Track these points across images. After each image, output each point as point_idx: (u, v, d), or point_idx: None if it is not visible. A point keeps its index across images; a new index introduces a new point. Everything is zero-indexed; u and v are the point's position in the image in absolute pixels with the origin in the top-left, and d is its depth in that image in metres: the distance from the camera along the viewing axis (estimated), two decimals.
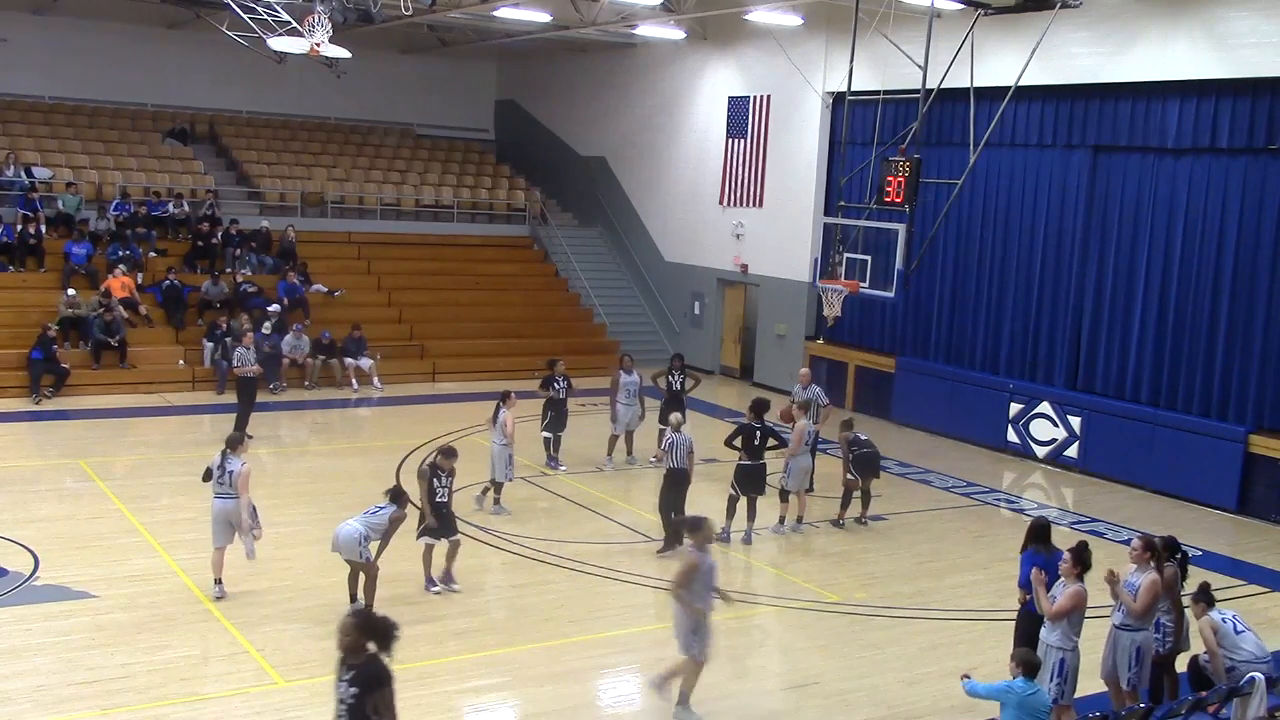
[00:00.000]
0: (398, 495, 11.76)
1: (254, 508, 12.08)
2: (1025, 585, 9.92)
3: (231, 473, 11.86)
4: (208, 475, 12.03)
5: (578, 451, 18.18)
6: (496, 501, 15.35)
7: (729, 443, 14.76)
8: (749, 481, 14.59)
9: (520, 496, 16.19)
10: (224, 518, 11.90)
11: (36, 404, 20.44)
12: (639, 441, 18.48)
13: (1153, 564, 9.52)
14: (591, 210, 31.11)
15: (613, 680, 10.95)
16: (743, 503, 14.66)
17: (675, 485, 14.07)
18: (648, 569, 13.59)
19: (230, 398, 19.63)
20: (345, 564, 11.63)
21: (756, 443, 14.55)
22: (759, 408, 14.87)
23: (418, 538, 12.28)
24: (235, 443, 12.12)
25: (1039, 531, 10.36)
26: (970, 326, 22.06)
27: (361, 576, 11.52)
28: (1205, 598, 9.89)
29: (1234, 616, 9.80)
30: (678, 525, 10.03)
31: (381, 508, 11.57)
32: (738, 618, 12.64)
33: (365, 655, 6.74)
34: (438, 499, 12.12)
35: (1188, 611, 10.03)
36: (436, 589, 12.28)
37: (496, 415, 15.14)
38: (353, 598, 11.65)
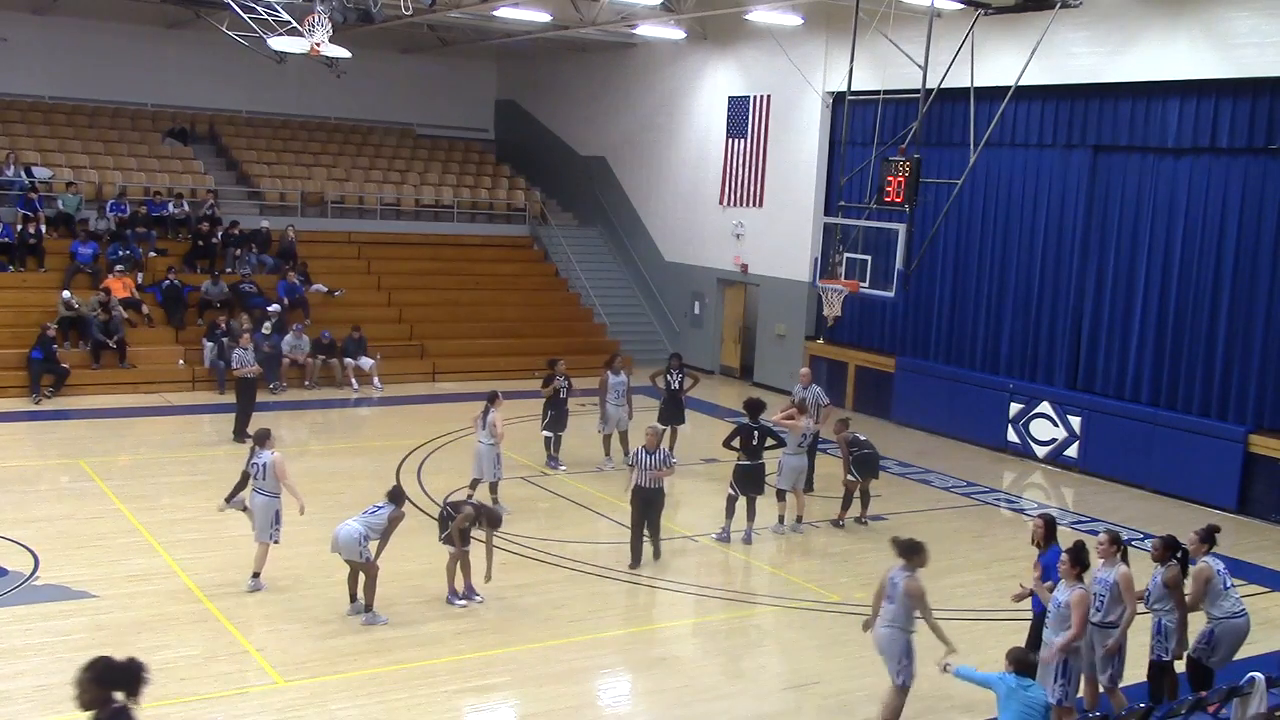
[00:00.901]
0: (397, 495, 11.76)
1: (278, 513, 12.20)
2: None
3: (265, 465, 12.11)
4: (246, 478, 12.27)
5: (577, 451, 18.17)
6: (495, 501, 15.29)
7: (727, 444, 14.77)
8: (748, 481, 14.60)
9: (520, 496, 16.20)
10: (260, 513, 12.17)
11: (36, 404, 20.44)
12: (635, 441, 18.45)
13: (1120, 559, 9.61)
14: (591, 210, 31.11)
15: (613, 680, 10.95)
16: (742, 502, 14.66)
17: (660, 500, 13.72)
18: (646, 569, 13.58)
19: (231, 397, 19.62)
20: (345, 564, 11.63)
21: (755, 443, 14.56)
22: (754, 408, 14.90)
23: (441, 540, 12.22)
24: (263, 438, 12.40)
25: (1056, 527, 10.43)
26: (970, 326, 22.05)
27: (361, 577, 11.52)
28: (1209, 539, 10.02)
29: (1225, 570, 10.03)
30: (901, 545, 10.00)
31: (380, 507, 11.57)
32: (738, 617, 12.66)
33: (111, 708, 6.07)
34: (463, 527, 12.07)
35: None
36: (462, 602, 12.15)
37: (485, 416, 15.08)
38: (353, 597, 11.65)
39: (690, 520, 15.59)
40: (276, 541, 12.23)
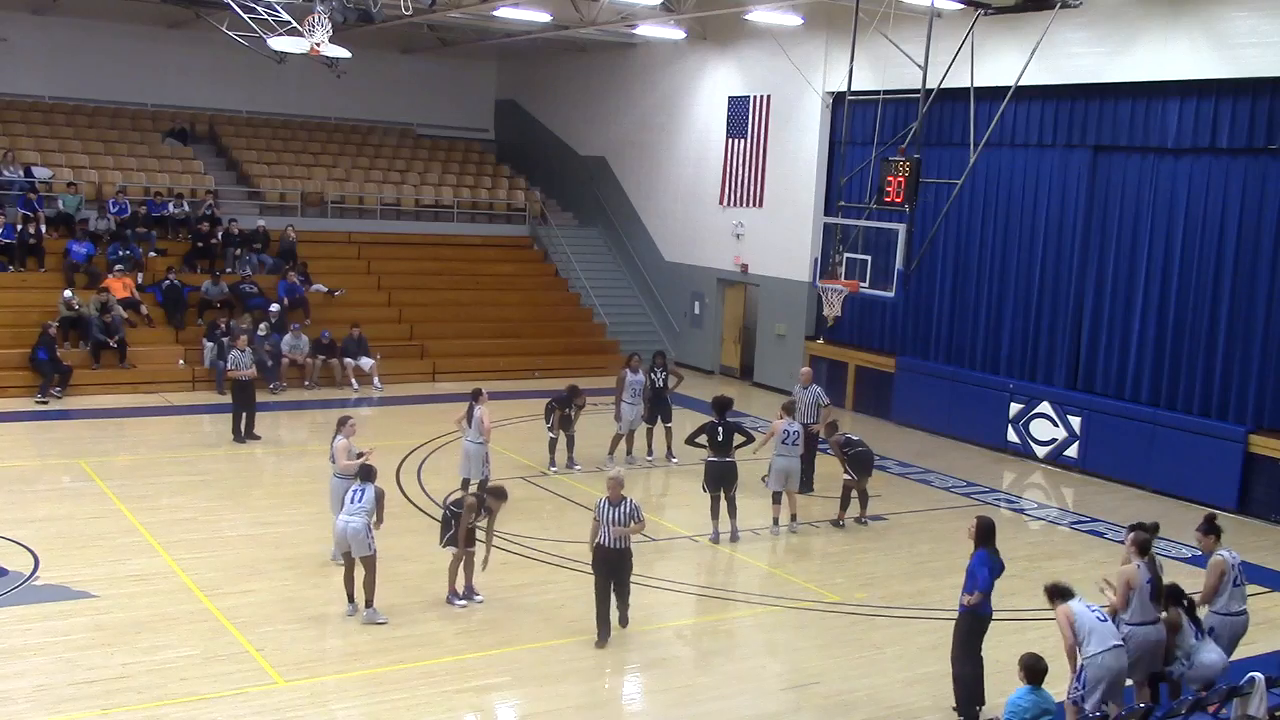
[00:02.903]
0: (369, 472, 11.80)
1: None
2: (986, 588, 9.89)
3: (333, 450, 12.76)
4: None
5: (580, 450, 18.13)
6: None
7: (691, 440, 14.89)
8: (714, 478, 14.65)
9: (520, 496, 16.18)
10: (333, 495, 12.67)
11: (44, 403, 20.42)
12: (638, 441, 18.49)
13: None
14: (591, 210, 31.11)
15: (613, 680, 10.94)
16: (723, 503, 14.68)
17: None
18: (646, 569, 13.57)
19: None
20: (341, 565, 11.64)
21: (720, 439, 14.61)
22: (721, 405, 14.98)
23: (442, 545, 12.19)
24: (341, 423, 12.98)
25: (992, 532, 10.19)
26: (970, 326, 22.05)
27: (359, 575, 11.48)
28: (1213, 530, 10.10)
29: (1239, 566, 10.04)
30: None
31: (360, 490, 11.58)
32: (737, 617, 12.66)
33: None
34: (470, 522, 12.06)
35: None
36: (462, 602, 12.15)
37: (471, 414, 15.04)
38: (350, 598, 11.62)
39: (688, 520, 15.58)
40: None
